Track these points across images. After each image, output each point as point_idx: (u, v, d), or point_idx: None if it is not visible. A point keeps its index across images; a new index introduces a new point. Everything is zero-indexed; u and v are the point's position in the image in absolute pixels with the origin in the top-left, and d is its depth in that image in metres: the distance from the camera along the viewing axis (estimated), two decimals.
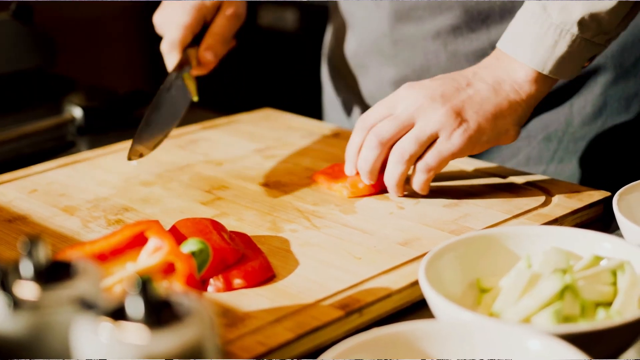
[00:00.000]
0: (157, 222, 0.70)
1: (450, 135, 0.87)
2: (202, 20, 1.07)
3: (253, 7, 2.78)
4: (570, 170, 1.06)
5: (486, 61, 0.92)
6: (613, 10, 0.86)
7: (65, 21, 2.42)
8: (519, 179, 0.97)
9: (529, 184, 0.96)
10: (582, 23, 0.86)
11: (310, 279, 0.76)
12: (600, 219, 0.92)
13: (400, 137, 0.90)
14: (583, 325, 0.60)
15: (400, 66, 1.10)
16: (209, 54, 1.06)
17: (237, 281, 0.75)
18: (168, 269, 0.63)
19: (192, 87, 1.06)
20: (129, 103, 1.34)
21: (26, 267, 0.46)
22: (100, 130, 1.26)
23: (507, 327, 0.59)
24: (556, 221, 0.87)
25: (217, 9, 1.08)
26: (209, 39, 1.07)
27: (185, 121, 1.25)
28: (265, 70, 2.84)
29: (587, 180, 1.05)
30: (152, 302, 0.43)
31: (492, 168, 1.01)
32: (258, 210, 0.91)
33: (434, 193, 0.94)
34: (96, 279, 0.47)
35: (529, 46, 0.88)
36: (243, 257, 0.78)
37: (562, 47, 0.87)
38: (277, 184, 0.99)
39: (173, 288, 0.59)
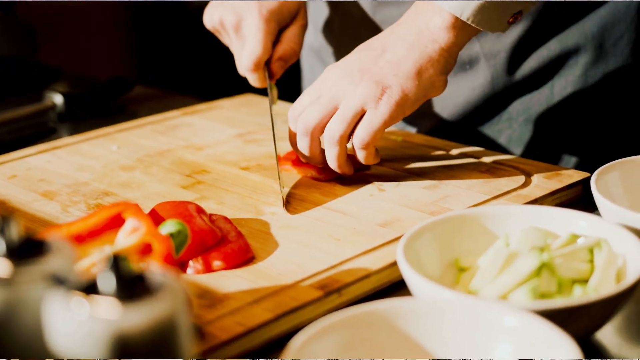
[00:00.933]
0: (135, 204, 0.70)
1: (377, 106, 0.87)
2: (277, 29, 1.04)
3: None
4: (551, 151, 1.06)
5: (405, 15, 0.91)
6: None
7: (50, 9, 2.40)
8: (499, 160, 0.97)
9: (509, 165, 0.96)
10: None
11: (289, 260, 0.77)
12: (580, 200, 0.92)
13: (327, 120, 0.89)
14: (559, 302, 0.61)
15: None
16: (280, 66, 1.05)
17: (217, 263, 0.75)
18: (146, 250, 0.63)
19: (275, 93, 1.05)
20: (110, 90, 1.33)
21: None
22: (81, 117, 1.26)
23: (483, 303, 0.59)
24: (536, 202, 0.88)
25: (293, 17, 1.06)
26: (282, 49, 1.04)
27: (166, 107, 1.26)
28: None
29: (569, 161, 1.06)
30: (124, 277, 0.43)
31: (473, 150, 1.01)
32: (238, 194, 0.91)
33: (414, 175, 0.94)
34: (69, 256, 0.47)
35: None
36: (222, 239, 0.78)
37: None
38: (258, 167, 0.99)
39: (155, 266, 0.59)
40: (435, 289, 0.62)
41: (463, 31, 0.88)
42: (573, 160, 1.05)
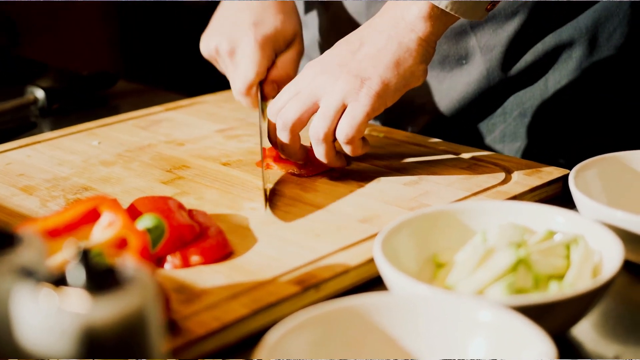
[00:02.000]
0: (112, 198, 0.70)
1: (357, 98, 0.87)
2: (274, 55, 1.04)
3: None
4: (545, 145, 1.06)
5: (383, 8, 0.92)
6: None
7: (32, 3, 2.39)
8: (479, 157, 0.97)
9: (489, 161, 0.96)
10: None
11: (268, 255, 0.76)
12: (560, 197, 0.93)
13: (307, 116, 0.90)
14: (534, 297, 0.61)
15: None
16: (273, 88, 1.04)
17: (195, 258, 0.75)
18: (121, 244, 0.63)
19: (266, 115, 1.05)
20: (92, 84, 1.33)
21: None
22: (63, 112, 1.26)
23: (458, 299, 0.59)
24: (515, 198, 0.88)
25: (288, 44, 1.06)
26: (276, 73, 1.04)
27: (148, 102, 1.25)
28: None
29: (563, 155, 1.05)
30: (94, 269, 0.43)
31: (454, 146, 1.01)
32: (218, 189, 0.91)
33: (395, 171, 0.94)
34: (39, 249, 0.46)
35: None
36: (201, 235, 0.78)
37: None
38: (238, 163, 0.99)
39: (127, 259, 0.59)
40: (411, 284, 0.62)
41: (440, 20, 0.88)
42: (569, 154, 1.05)
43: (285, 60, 1.03)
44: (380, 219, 0.83)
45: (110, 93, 1.35)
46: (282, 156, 0.94)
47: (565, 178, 0.92)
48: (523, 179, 0.91)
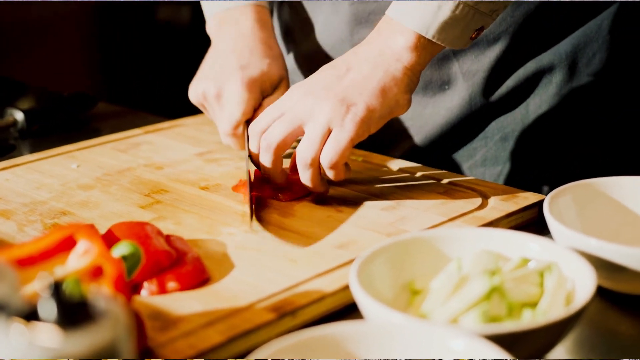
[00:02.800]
0: (89, 225, 0.70)
1: (342, 124, 0.87)
2: (260, 98, 1.05)
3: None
4: (526, 169, 1.07)
5: (368, 37, 0.93)
6: None
7: (14, 24, 2.39)
8: (456, 182, 0.98)
9: (466, 186, 0.97)
10: None
11: (245, 281, 0.77)
12: (536, 222, 0.93)
13: (290, 139, 0.90)
14: (508, 326, 0.61)
15: None
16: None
17: (171, 284, 0.75)
18: (97, 272, 0.63)
19: None
20: (72, 106, 1.33)
21: None
22: (42, 134, 1.25)
23: (432, 327, 0.60)
24: (491, 224, 0.88)
25: (275, 87, 1.07)
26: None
27: (129, 125, 1.25)
28: None
29: (544, 179, 1.06)
30: (65, 303, 0.43)
31: (431, 171, 1.02)
32: (196, 214, 0.91)
33: (373, 195, 0.95)
34: (12, 280, 0.46)
35: (414, 9, 0.88)
36: (178, 261, 0.78)
37: (445, 12, 0.87)
38: (217, 187, 0.99)
39: (100, 291, 0.59)
40: (386, 312, 0.62)
41: (426, 50, 0.89)
42: (550, 178, 1.06)
43: (271, 101, 1.03)
44: (357, 244, 0.84)
45: (91, 115, 1.35)
46: (264, 175, 0.94)
47: (541, 203, 0.93)
48: (499, 204, 0.92)
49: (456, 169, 1.08)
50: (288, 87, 1.07)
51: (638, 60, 1.06)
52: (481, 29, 0.90)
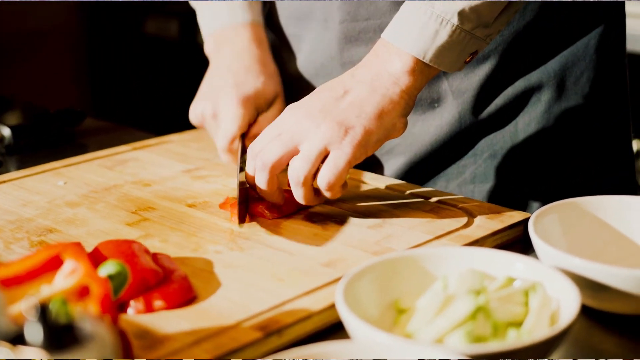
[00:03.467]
0: (76, 244, 0.70)
1: (340, 146, 0.88)
2: (255, 114, 1.07)
3: (192, 28, 2.78)
4: (515, 187, 1.07)
5: (365, 59, 0.94)
6: (491, 3, 0.88)
7: (1, 39, 2.39)
8: (443, 200, 0.99)
9: (452, 204, 0.97)
10: (462, 14, 0.88)
11: (231, 300, 0.77)
12: (521, 240, 0.94)
13: (286, 159, 0.91)
14: (493, 346, 0.62)
15: None
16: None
17: (158, 303, 0.75)
18: (83, 292, 0.63)
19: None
20: (59, 121, 1.33)
21: None
22: (29, 149, 1.25)
23: (417, 346, 0.60)
24: (477, 242, 0.89)
25: (270, 104, 1.09)
26: (258, 128, 1.07)
27: (116, 140, 1.26)
28: (196, 89, 2.84)
29: (533, 196, 1.07)
30: (52, 327, 0.43)
31: (417, 188, 1.03)
32: (183, 232, 0.91)
33: (359, 213, 0.95)
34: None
35: (412, 33, 0.89)
36: (165, 279, 0.78)
37: (442, 37, 0.88)
38: (204, 205, 0.99)
39: (87, 311, 0.59)
40: (371, 332, 0.63)
41: (422, 74, 0.91)
42: (536, 195, 1.07)
43: (267, 117, 1.05)
44: (344, 263, 0.84)
45: (78, 130, 1.35)
46: (259, 194, 0.94)
47: (526, 222, 0.94)
48: (485, 223, 0.93)
49: (445, 187, 1.09)
50: (283, 103, 1.08)
51: (623, 78, 1.07)
52: (475, 52, 0.91)
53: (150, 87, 3.00)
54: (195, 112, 1.09)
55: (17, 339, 0.43)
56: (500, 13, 0.89)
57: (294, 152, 0.90)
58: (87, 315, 0.45)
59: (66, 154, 1.17)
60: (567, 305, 0.68)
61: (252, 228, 0.92)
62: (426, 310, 0.68)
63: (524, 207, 1.00)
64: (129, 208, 0.98)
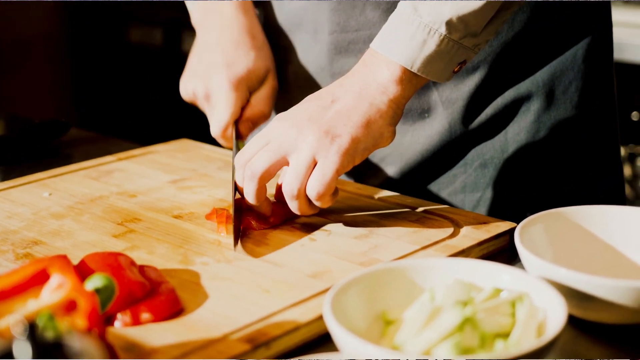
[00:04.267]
0: (62, 257, 0.70)
1: (327, 155, 0.88)
2: (248, 94, 1.07)
3: (177, 35, 2.78)
4: (505, 196, 1.08)
5: (353, 69, 0.94)
6: (478, 13, 0.89)
7: None
8: (429, 210, 0.99)
9: (438, 214, 0.98)
10: (450, 24, 0.88)
11: (219, 312, 0.77)
12: (506, 250, 0.94)
13: (274, 169, 0.91)
14: (481, 357, 0.62)
15: None
16: (248, 127, 1.07)
17: (145, 315, 0.75)
18: (70, 306, 0.63)
19: None
20: (44, 132, 1.32)
21: None
22: (14, 161, 1.25)
23: (405, 359, 0.60)
24: (463, 252, 0.89)
25: (261, 82, 1.09)
26: (250, 111, 1.08)
27: (101, 151, 1.25)
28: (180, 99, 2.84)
29: (522, 205, 1.07)
30: (40, 344, 0.43)
31: (403, 198, 1.03)
32: (170, 243, 0.91)
33: (346, 224, 0.96)
34: None
35: (400, 43, 0.90)
36: (151, 291, 0.78)
37: (430, 46, 0.89)
38: (190, 216, 0.99)
39: (74, 326, 0.59)
40: (360, 344, 0.63)
41: (410, 83, 0.91)
42: (529, 204, 1.07)
43: (259, 98, 1.05)
44: (331, 274, 0.84)
45: (62, 141, 1.35)
46: (248, 204, 0.94)
47: (512, 231, 0.94)
48: (471, 233, 0.93)
49: (435, 196, 1.09)
50: (275, 79, 1.07)
51: (611, 87, 1.08)
52: (464, 62, 0.92)
53: (135, 96, 3.00)
54: (187, 89, 1.08)
55: (5, 356, 0.43)
56: (487, 23, 0.90)
57: (283, 162, 0.90)
58: (75, 331, 0.45)
59: (51, 165, 1.17)
60: (553, 315, 0.68)
61: (240, 239, 0.92)
62: (414, 322, 0.68)
63: (513, 216, 1.00)
64: (114, 219, 0.98)
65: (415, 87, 0.92)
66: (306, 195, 0.90)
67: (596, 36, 1.06)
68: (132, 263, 0.82)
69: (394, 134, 0.93)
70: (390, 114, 0.91)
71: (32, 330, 0.42)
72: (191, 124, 2.68)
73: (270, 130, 0.92)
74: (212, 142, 1.28)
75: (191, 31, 3.07)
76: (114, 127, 2.93)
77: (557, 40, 1.05)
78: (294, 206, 0.91)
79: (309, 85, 1.13)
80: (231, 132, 1.05)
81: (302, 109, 0.92)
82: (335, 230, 0.94)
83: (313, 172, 0.89)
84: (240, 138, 1.06)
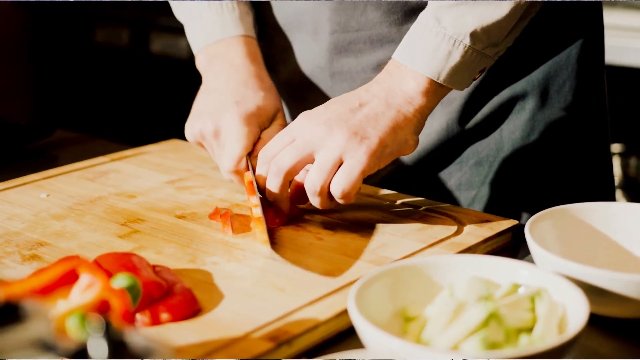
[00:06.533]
0: (78, 257, 0.69)
1: (355, 155, 0.89)
2: (259, 130, 1.03)
3: (145, 35, 2.77)
4: (500, 194, 1.09)
5: (378, 77, 0.95)
6: (501, 23, 0.91)
7: None
8: (430, 208, 1.00)
9: (440, 213, 0.99)
10: (474, 35, 0.91)
11: (236, 311, 0.77)
12: (509, 247, 0.96)
13: (300, 166, 0.91)
14: (509, 352, 0.63)
15: None
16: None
17: (164, 316, 0.75)
18: (102, 306, 0.63)
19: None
20: (29, 134, 1.31)
21: None
22: (1, 164, 1.23)
23: (440, 355, 0.61)
24: (470, 249, 0.90)
25: (271, 120, 1.05)
26: (262, 146, 1.01)
27: (88, 152, 1.24)
28: (148, 99, 2.82)
29: (517, 204, 1.09)
30: (114, 342, 0.43)
31: (403, 196, 1.04)
32: (177, 243, 0.91)
33: (350, 223, 0.96)
34: (48, 319, 0.46)
35: (425, 55, 0.91)
36: (167, 291, 0.78)
37: (455, 57, 0.91)
38: (193, 216, 0.99)
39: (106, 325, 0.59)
40: (393, 342, 0.63)
41: (435, 94, 0.93)
42: (524, 202, 1.09)
43: (270, 133, 1.02)
44: (342, 272, 0.84)
45: (48, 143, 1.33)
46: (269, 199, 0.94)
47: (514, 229, 0.96)
48: (475, 230, 0.94)
49: (432, 194, 1.10)
50: (284, 119, 1.06)
51: (602, 86, 1.11)
52: (483, 69, 0.94)
53: (101, 98, 2.97)
54: (193, 130, 1.04)
55: (80, 354, 0.43)
56: (508, 32, 0.92)
57: (309, 159, 0.91)
58: (140, 330, 0.45)
59: (40, 167, 1.16)
60: (574, 310, 0.69)
61: (246, 239, 0.92)
62: (438, 318, 0.69)
63: (508, 214, 1.02)
64: (117, 220, 0.97)
65: (439, 98, 0.94)
66: (328, 192, 0.91)
67: (588, 37, 1.08)
68: (146, 263, 0.81)
69: (416, 143, 0.94)
70: (415, 123, 0.93)
71: (108, 329, 0.42)
72: (161, 124, 2.67)
73: (297, 127, 0.92)
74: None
75: (159, 31, 3.03)
76: (81, 129, 2.90)
77: (551, 41, 1.07)
78: (315, 202, 0.92)
79: (307, 85, 1.13)
80: (244, 165, 1.00)
81: (330, 109, 0.92)
82: (340, 229, 0.95)
83: (339, 171, 0.89)
84: (253, 171, 1.01)
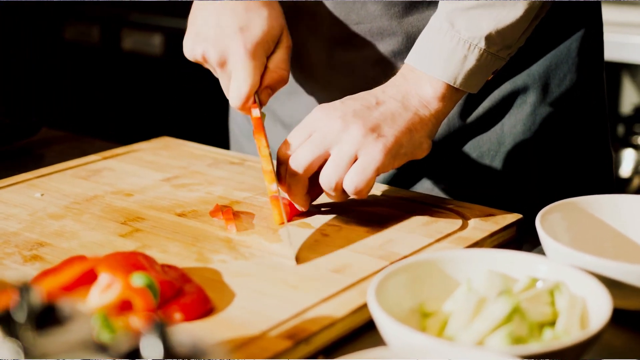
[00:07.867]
0: (104, 257, 0.68)
1: (370, 152, 0.89)
2: (265, 59, 0.98)
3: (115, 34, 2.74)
4: (502, 188, 1.09)
5: (393, 80, 0.95)
6: (515, 25, 0.92)
7: None
8: (434, 203, 0.99)
9: (444, 208, 0.98)
10: (488, 38, 0.91)
11: (250, 310, 0.76)
12: (514, 241, 0.95)
13: (317, 163, 0.90)
14: (537, 346, 0.62)
15: (334, 92, 1.09)
16: (267, 94, 0.99)
17: (177, 315, 0.73)
18: (124, 306, 0.61)
19: (263, 119, 0.98)
20: (14, 133, 1.28)
21: (20, 312, 0.43)
22: None
23: (468, 351, 0.60)
24: (477, 244, 0.90)
25: (277, 43, 1.00)
26: (269, 77, 0.98)
27: (75, 150, 1.22)
28: (119, 97, 2.79)
29: (518, 197, 1.08)
30: (167, 343, 0.42)
31: (404, 192, 1.03)
32: (181, 242, 0.90)
33: (354, 218, 0.95)
34: (88, 321, 0.45)
35: (440, 60, 0.91)
36: (178, 291, 0.77)
37: (471, 61, 0.91)
38: (194, 214, 0.97)
39: (133, 324, 0.57)
40: (420, 338, 0.62)
41: (451, 99, 0.93)
42: (525, 196, 1.08)
43: (276, 62, 0.98)
44: (353, 268, 0.84)
45: (33, 142, 1.31)
46: (286, 195, 0.94)
47: (519, 223, 0.95)
48: (480, 225, 0.94)
49: (432, 189, 1.10)
50: (289, 38, 1.00)
51: (601, 79, 1.11)
52: (495, 71, 0.94)
53: (72, 95, 2.93)
54: (194, 52, 0.98)
55: (133, 354, 0.41)
56: (522, 33, 0.92)
57: (325, 156, 0.90)
58: (185, 331, 0.44)
59: (26, 165, 1.14)
60: (595, 304, 0.69)
61: (250, 236, 0.91)
62: (461, 313, 0.68)
63: (510, 208, 1.01)
64: (116, 219, 0.95)
65: (455, 102, 0.94)
66: (342, 187, 0.90)
67: (588, 30, 1.08)
68: (155, 262, 0.80)
69: (430, 147, 0.94)
70: (430, 127, 0.93)
71: (162, 329, 0.41)
72: (138, 121, 2.65)
73: (313, 120, 0.91)
74: (187, 138, 1.26)
75: (130, 29, 3.00)
76: (61, 127, 2.86)
77: (551, 34, 1.07)
78: (332, 198, 0.92)
79: (306, 77, 1.12)
80: (252, 102, 0.97)
81: (347, 105, 0.91)
82: (344, 225, 0.94)
83: (353, 167, 0.88)
84: (260, 106, 0.99)
